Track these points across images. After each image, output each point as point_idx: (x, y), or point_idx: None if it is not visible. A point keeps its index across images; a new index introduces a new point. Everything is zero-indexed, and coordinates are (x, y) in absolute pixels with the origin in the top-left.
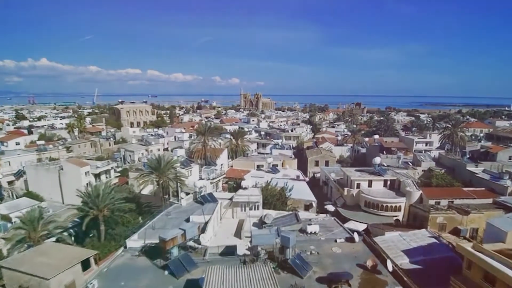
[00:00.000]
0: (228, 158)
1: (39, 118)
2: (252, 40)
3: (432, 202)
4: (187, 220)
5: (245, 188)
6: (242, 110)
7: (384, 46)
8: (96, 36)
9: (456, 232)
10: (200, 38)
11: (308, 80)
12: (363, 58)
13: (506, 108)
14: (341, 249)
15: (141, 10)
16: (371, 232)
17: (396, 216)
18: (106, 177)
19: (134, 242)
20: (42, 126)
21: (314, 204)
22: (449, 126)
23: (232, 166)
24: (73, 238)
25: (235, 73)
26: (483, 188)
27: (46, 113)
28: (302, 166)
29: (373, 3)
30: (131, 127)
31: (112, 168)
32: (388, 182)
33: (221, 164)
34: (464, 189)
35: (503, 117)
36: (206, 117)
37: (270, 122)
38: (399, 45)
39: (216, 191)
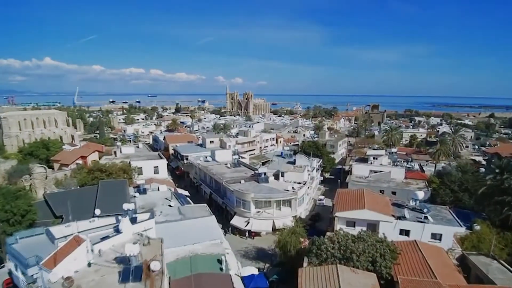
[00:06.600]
0: None
1: None
2: (255, 40)
3: None
4: None
5: None
6: (225, 114)
7: (390, 46)
8: (100, 36)
9: None
10: (203, 38)
11: (312, 80)
12: (367, 58)
13: None
14: None
15: (144, 10)
16: None
17: None
18: None
19: None
20: None
21: None
22: None
23: None
24: None
25: (238, 72)
26: None
27: None
28: None
29: (377, 3)
30: (21, 147)
31: None
32: None
33: None
34: None
35: None
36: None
37: (246, 142)
38: (404, 46)
39: None
